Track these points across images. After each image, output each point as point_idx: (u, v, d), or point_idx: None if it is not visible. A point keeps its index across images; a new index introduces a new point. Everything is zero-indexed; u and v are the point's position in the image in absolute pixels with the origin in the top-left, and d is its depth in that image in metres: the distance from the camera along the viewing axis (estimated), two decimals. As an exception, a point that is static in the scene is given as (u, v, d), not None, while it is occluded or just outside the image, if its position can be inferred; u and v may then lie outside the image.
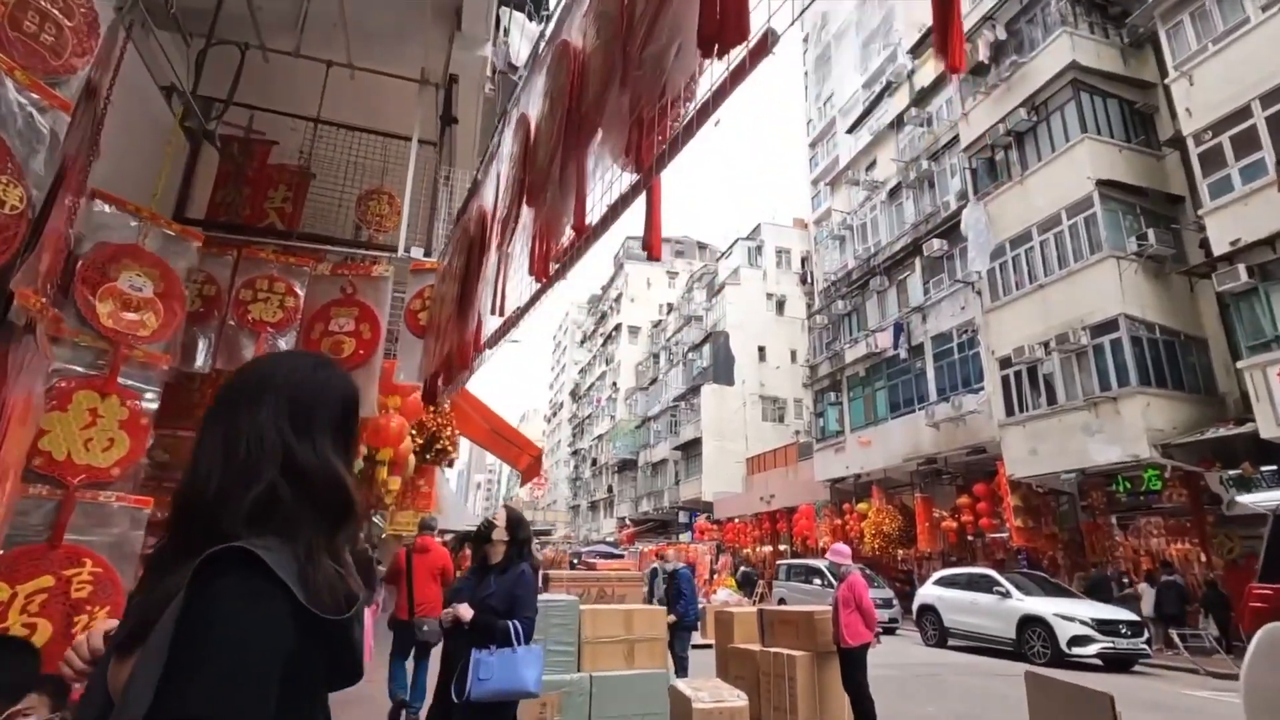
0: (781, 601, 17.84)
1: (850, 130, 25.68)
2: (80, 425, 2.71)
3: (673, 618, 6.93)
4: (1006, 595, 12.51)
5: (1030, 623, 11.77)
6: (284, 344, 3.55)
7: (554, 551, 21.07)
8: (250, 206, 3.97)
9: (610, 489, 47.78)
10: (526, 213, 2.05)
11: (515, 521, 3.32)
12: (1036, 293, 15.54)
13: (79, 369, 2.70)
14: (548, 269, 1.87)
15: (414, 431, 7.20)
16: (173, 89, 3.68)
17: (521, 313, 2.30)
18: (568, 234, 1.76)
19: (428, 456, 7.52)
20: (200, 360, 3.43)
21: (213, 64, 3.79)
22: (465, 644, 3.05)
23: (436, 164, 4.21)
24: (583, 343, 65.39)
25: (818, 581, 16.90)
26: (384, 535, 17.57)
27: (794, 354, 35.59)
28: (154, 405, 2.97)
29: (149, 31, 3.33)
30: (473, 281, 2.74)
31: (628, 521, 42.78)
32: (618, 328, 50.86)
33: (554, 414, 75.78)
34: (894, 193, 22.14)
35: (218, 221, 3.84)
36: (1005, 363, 16.05)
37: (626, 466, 44.59)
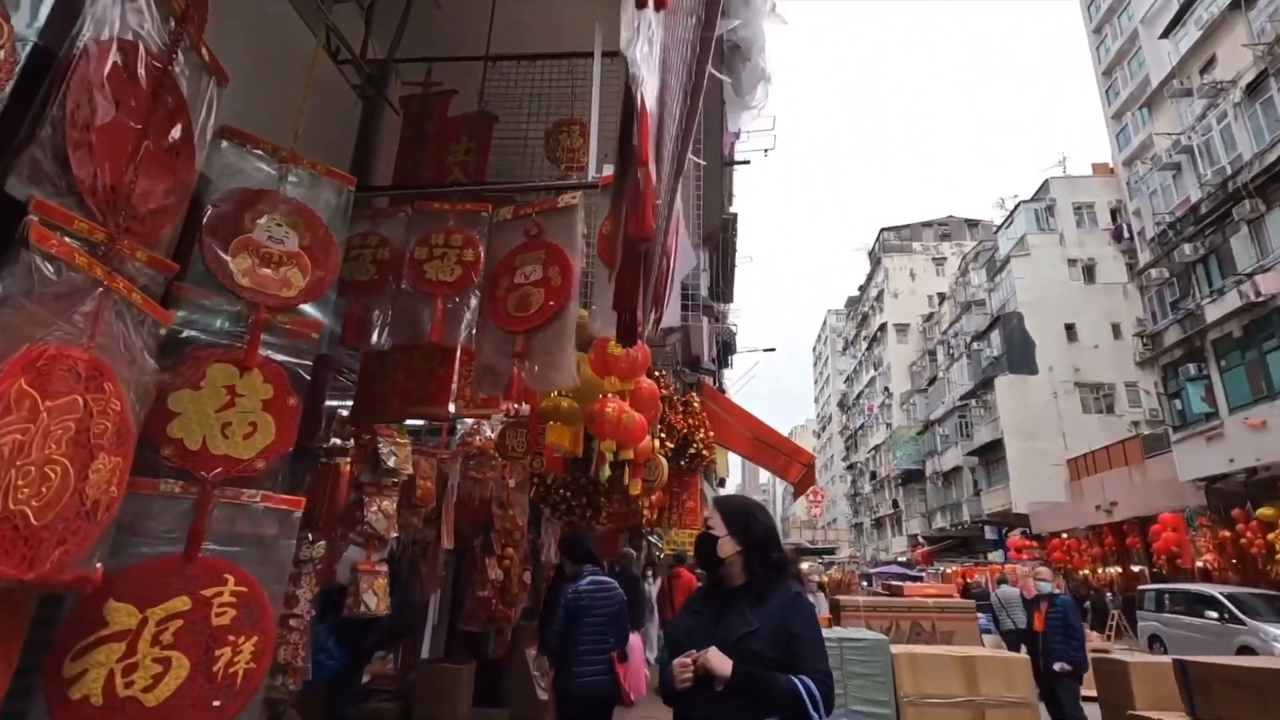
0: (1155, 641, 13.66)
1: (1165, 34, 20.09)
2: (216, 406, 2.17)
3: (1061, 665, 4.87)
4: None
5: None
6: (466, 307, 2.83)
7: (841, 572, 19.06)
8: (433, 165, 3.43)
9: (895, 504, 43.41)
10: None
11: (739, 512, 2.17)
12: None
13: (206, 336, 2.16)
14: None
15: (661, 434, 6.38)
16: (337, 51, 3.26)
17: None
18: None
19: (682, 463, 6.66)
20: (376, 335, 2.84)
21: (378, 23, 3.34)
22: (717, 713, 1.89)
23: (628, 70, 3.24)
24: (845, 349, 61.62)
25: (1212, 615, 12.50)
26: (660, 555, 17.43)
27: (1116, 328, 28.75)
28: (304, 382, 2.36)
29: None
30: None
31: (921, 539, 38.23)
32: (883, 328, 46.71)
33: (823, 428, 72.40)
34: (1254, 88, 16.46)
35: (399, 187, 3.33)
36: None
37: (911, 478, 40.12)
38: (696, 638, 1.96)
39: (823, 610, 12.48)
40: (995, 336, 30.57)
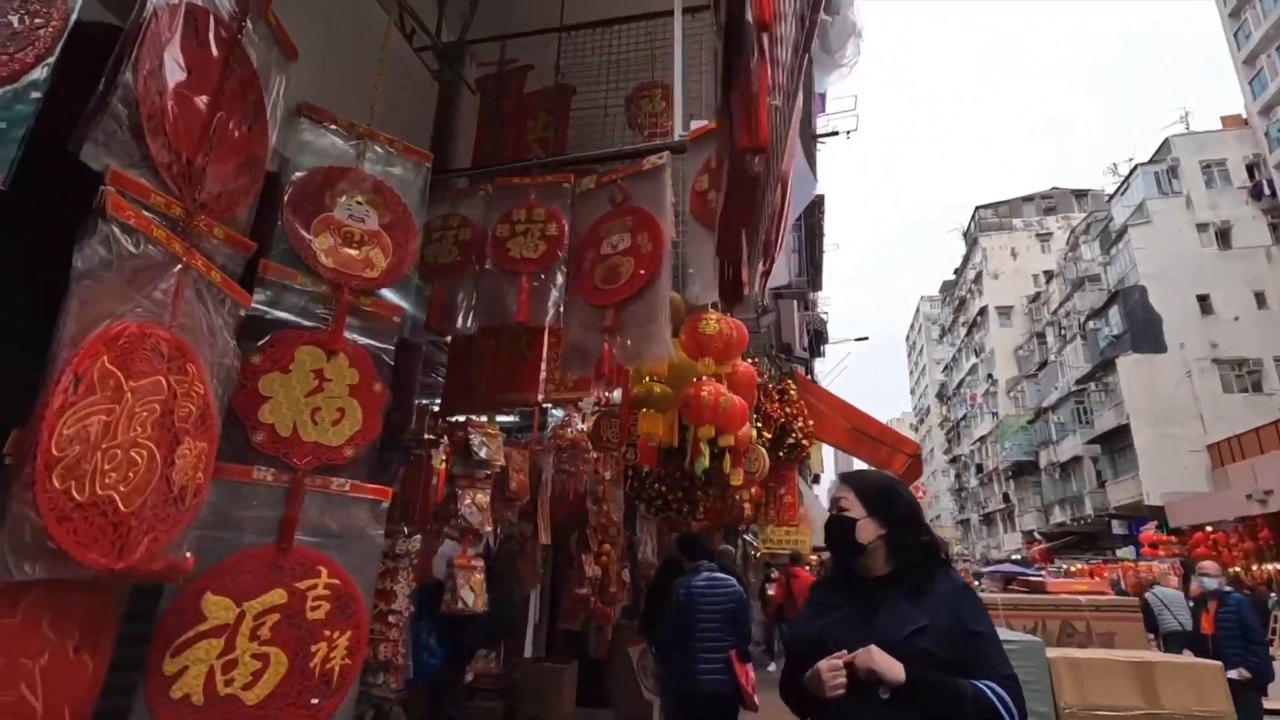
0: (1335, 646, 11.98)
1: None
2: (305, 390, 2.08)
3: (1239, 672, 4.22)
4: None
5: None
6: (552, 285, 2.67)
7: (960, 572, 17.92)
8: (512, 144, 3.30)
9: (1006, 498, 40.72)
10: None
11: (878, 489, 1.87)
12: None
13: (291, 317, 2.07)
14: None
15: (758, 424, 6.07)
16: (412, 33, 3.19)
17: None
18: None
19: (780, 454, 6.32)
20: (461, 319, 2.72)
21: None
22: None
23: (715, 21, 3.01)
24: (941, 337, 58.56)
25: None
26: (757, 554, 16.89)
27: (1260, 296, 25.74)
28: (388, 368, 2.26)
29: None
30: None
31: (1037, 535, 35.63)
32: (983, 312, 43.97)
33: (920, 421, 69.09)
34: None
35: (478, 169, 3.22)
36: None
37: (1024, 470, 37.50)
38: (840, 636, 1.65)
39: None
40: (1114, 314, 28.04)
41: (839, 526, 1.81)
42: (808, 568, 14.07)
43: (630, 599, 6.25)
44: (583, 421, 4.62)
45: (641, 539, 6.68)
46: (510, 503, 3.53)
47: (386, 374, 2.27)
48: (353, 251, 2.27)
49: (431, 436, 3.05)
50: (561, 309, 2.66)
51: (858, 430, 11.09)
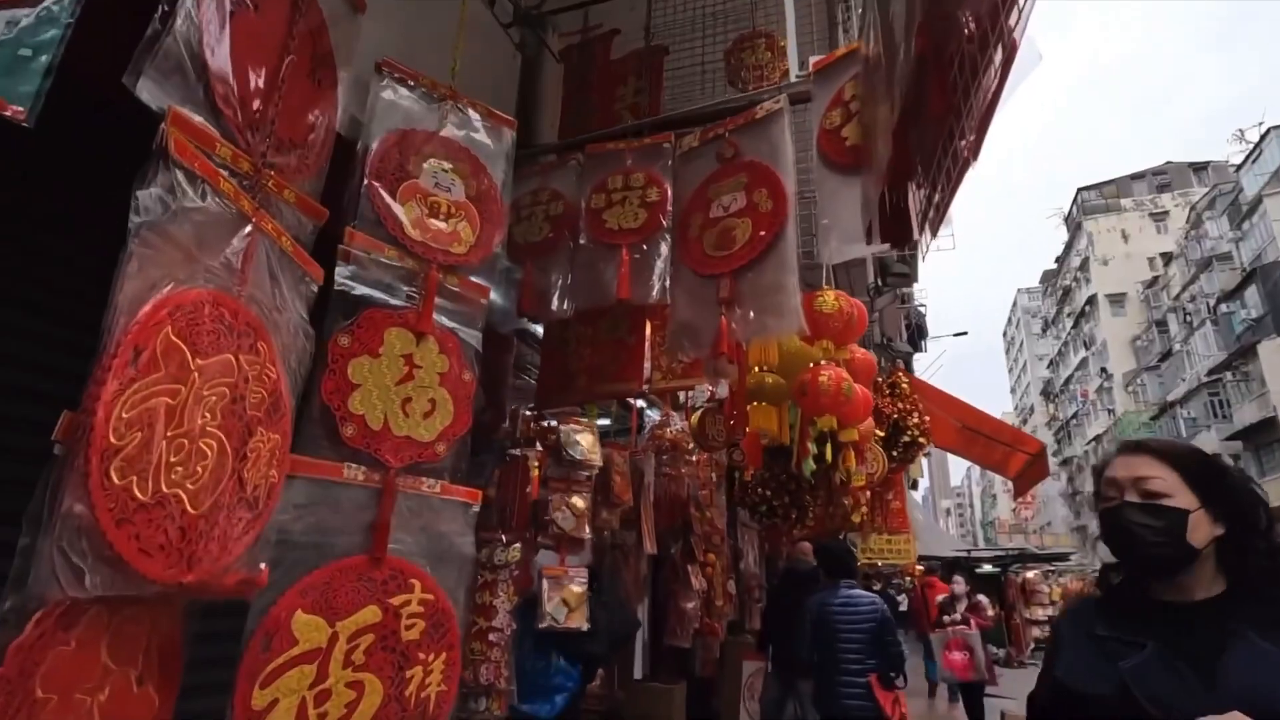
0: None
1: None
2: (396, 378, 1.84)
3: None
4: None
5: None
6: (655, 257, 2.35)
7: (1081, 581, 16.34)
8: (600, 114, 3.03)
9: (1129, 502, 37.24)
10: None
11: (1207, 467, 1.26)
12: None
13: (378, 295, 1.84)
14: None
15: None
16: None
17: None
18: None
19: (895, 454, 5.75)
20: (556, 301, 2.44)
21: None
22: None
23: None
24: (1044, 330, 54.81)
25: None
26: (859, 563, 16.03)
27: None
28: (476, 354, 2.01)
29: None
30: None
31: (1169, 543, 32.33)
32: (1091, 300, 40.75)
33: (1024, 421, 64.71)
34: None
35: (567, 142, 2.96)
36: None
37: (1148, 471, 34.19)
38: (1164, 691, 1.09)
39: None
40: (1251, 294, 25.22)
41: (1151, 520, 1.20)
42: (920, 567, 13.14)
43: (736, 613, 5.84)
44: (682, 419, 4.28)
45: (743, 548, 6.26)
46: (613, 507, 3.23)
47: (475, 362, 2.01)
48: (440, 224, 2.02)
49: (527, 436, 2.79)
50: (667, 283, 2.34)
51: (969, 429, 10.21)
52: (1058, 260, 48.75)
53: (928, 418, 6.19)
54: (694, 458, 4.52)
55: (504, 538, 2.59)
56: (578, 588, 2.64)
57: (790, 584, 4.95)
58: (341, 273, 1.77)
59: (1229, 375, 26.39)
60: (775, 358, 3.45)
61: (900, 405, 5.87)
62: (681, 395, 4.35)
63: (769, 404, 3.46)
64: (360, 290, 1.82)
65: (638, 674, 4.21)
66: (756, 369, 3.57)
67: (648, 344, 2.66)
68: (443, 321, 1.98)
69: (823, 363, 3.16)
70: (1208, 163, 40.18)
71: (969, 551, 16.94)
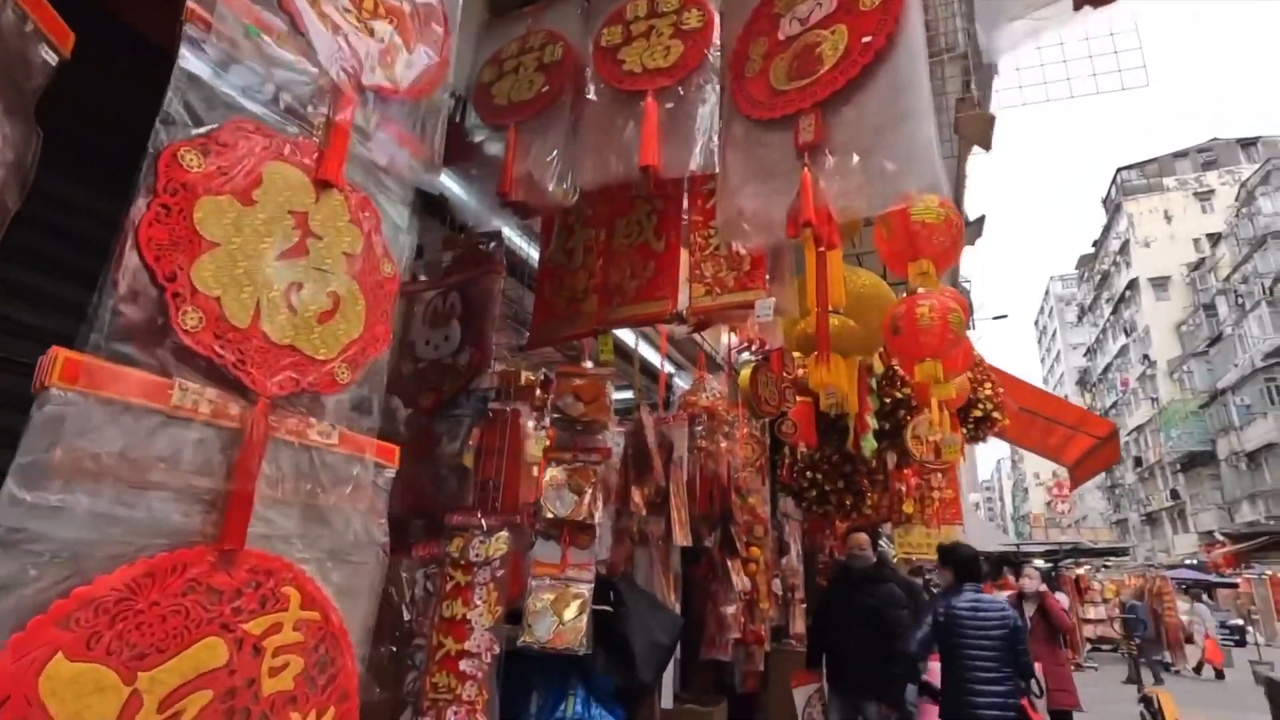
0: None
1: None
2: (280, 248, 1.10)
3: None
4: None
5: None
6: (698, 104, 1.58)
7: (1145, 579, 15.22)
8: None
9: (1175, 494, 35.67)
10: None
11: None
12: None
13: (257, 108, 1.10)
14: None
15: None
16: None
17: None
18: None
19: (966, 429, 4.91)
20: (554, 180, 1.68)
21: None
22: None
23: None
24: (1080, 318, 52.92)
25: None
26: (895, 559, 15.02)
27: None
28: (405, 237, 1.26)
29: None
30: None
31: (1218, 536, 30.79)
32: (1132, 285, 39.01)
33: (1058, 412, 62.64)
34: None
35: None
36: None
37: (1197, 462, 32.68)
38: None
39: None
40: (1312, 272, 23.67)
41: None
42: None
43: (780, 617, 5.06)
44: (719, 386, 3.51)
45: (787, 541, 5.46)
46: (644, 486, 2.47)
47: (400, 256, 1.27)
48: (363, 26, 1.28)
49: (517, 385, 2.04)
50: (714, 143, 1.56)
51: (1027, 411, 9.27)
52: (1095, 244, 46.91)
53: (1001, 389, 5.35)
54: (735, 431, 3.75)
55: (484, 523, 1.84)
56: (578, 593, 1.89)
57: (845, 583, 4.16)
58: (200, 56, 1.03)
59: (1288, 359, 24.87)
60: (842, 295, 2.66)
61: (973, 373, 5.02)
62: (721, 350, 3.57)
63: (838, 355, 2.68)
64: (223, 91, 1.07)
65: (667, 695, 3.44)
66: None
67: (686, 244, 1.89)
68: (357, 182, 1.24)
69: (922, 292, 2.35)
70: (1257, 138, 38.21)
71: (1018, 546, 15.93)
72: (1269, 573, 21.98)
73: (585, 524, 1.98)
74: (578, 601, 1.87)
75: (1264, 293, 26.67)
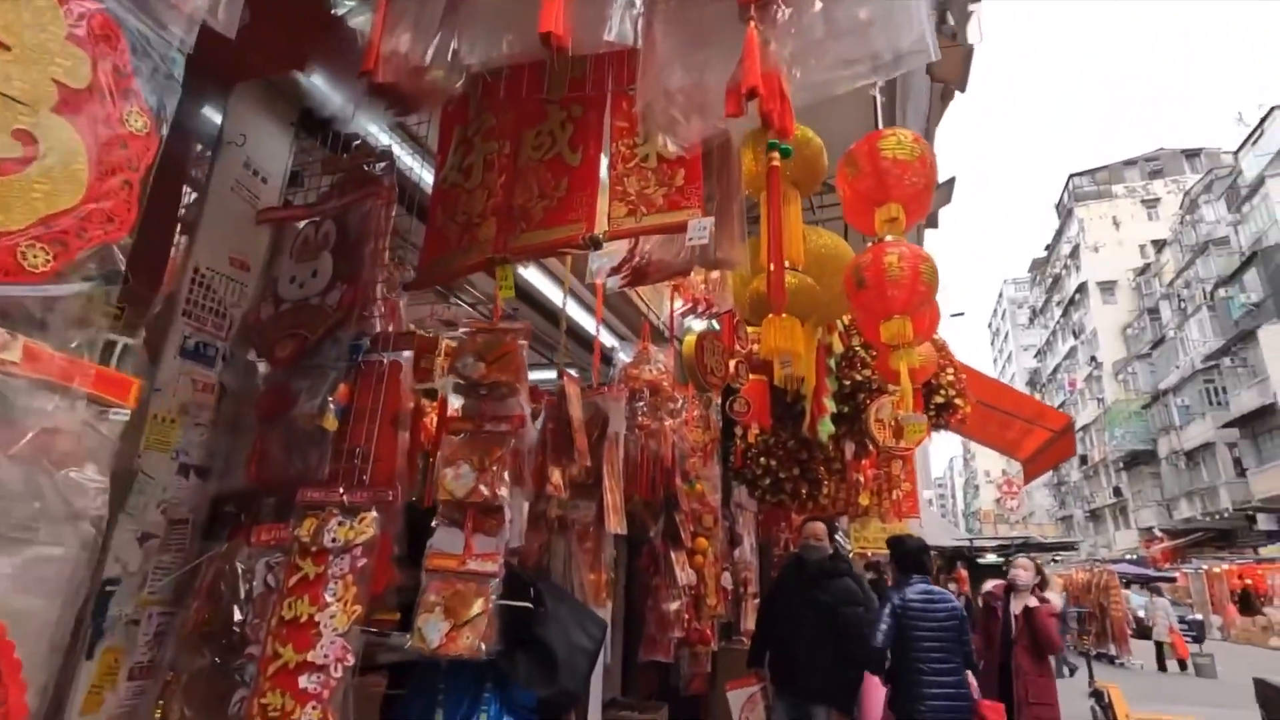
0: None
1: None
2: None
3: None
4: None
5: None
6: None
7: (1091, 573, 15.49)
8: None
9: (1118, 492, 36.86)
10: None
11: None
12: None
13: None
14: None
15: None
16: None
17: None
18: None
19: (928, 414, 4.67)
20: (428, 52, 1.31)
21: None
22: None
23: None
24: (1031, 320, 54.39)
25: None
26: (850, 554, 14.96)
27: None
28: (178, 78, 0.86)
29: None
30: None
31: (1158, 532, 31.90)
32: (1081, 288, 40.15)
33: (1008, 411, 64.35)
34: None
35: None
36: None
37: (1138, 460, 33.78)
38: None
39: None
40: (1251, 278, 24.52)
41: None
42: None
43: (731, 613, 4.76)
44: (665, 359, 3.16)
45: (740, 533, 5.16)
46: (560, 463, 2.10)
47: (164, 105, 0.88)
48: None
49: (401, 332, 1.65)
50: (638, 9, 1.21)
51: (984, 404, 9.18)
52: (1047, 248, 48.16)
53: (964, 376, 5.14)
54: (684, 410, 3.41)
55: (345, 500, 1.46)
56: (480, 590, 1.52)
57: (797, 576, 3.86)
58: None
59: (1226, 361, 25.73)
60: (801, 249, 2.34)
61: (929, 373, 4.78)
62: (666, 315, 3.21)
63: (794, 316, 2.35)
64: None
65: (598, 700, 3.06)
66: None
67: (607, 152, 1.53)
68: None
69: (889, 240, 2.04)
70: (1200, 149, 39.66)
71: (971, 540, 16.04)
72: (1205, 567, 22.76)
73: (490, 506, 1.61)
74: (480, 599, 1.50)
75: (1205, 298, 27.59)
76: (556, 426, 2.17)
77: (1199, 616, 18.43)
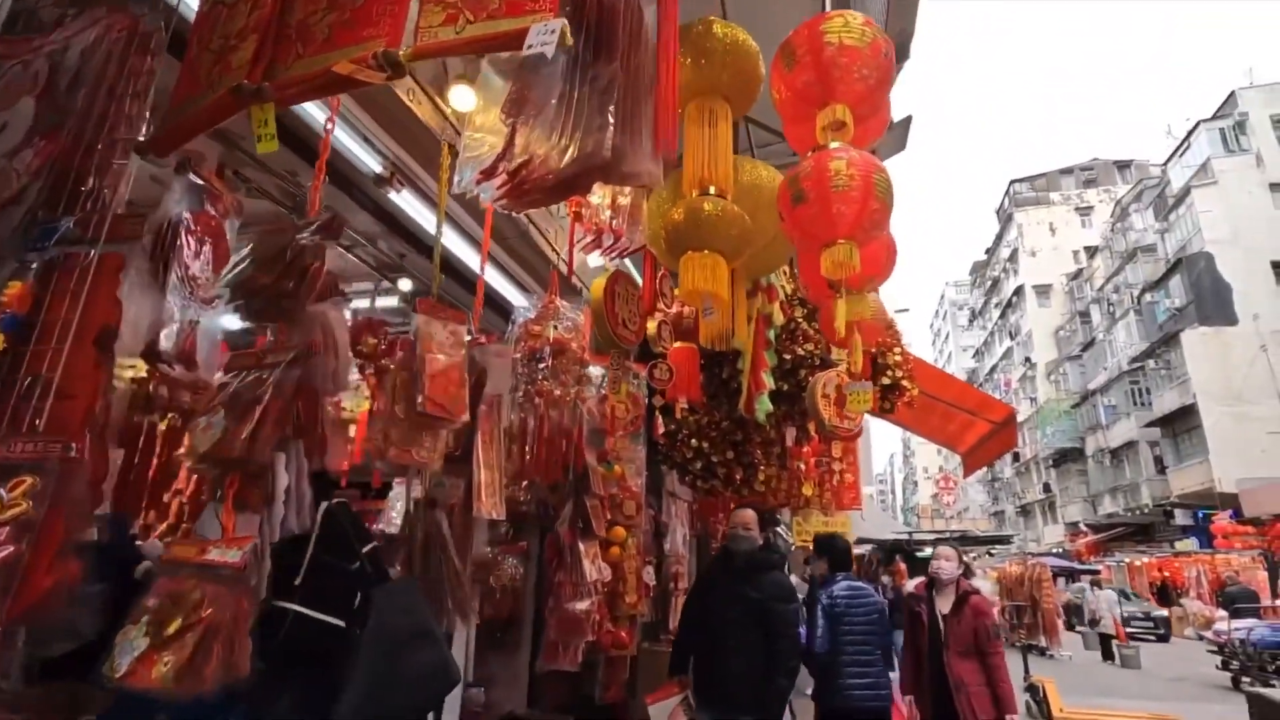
0: None
1: None
2: None
3: None
4: None
5: None
6: None
7: (1023, 565, 15.73)
8: None
9: (1047, 488, 38.27)
10: None
11: None
12: None
13: None
14: None
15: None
16: None
17: None
18: None
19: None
20: None
21: None
22: None
23: None
24: (971, 322, 56.05)
25: None
26: (793, 547, 14.77)
27: (1344, 261, 23.21)
28: None
29: None
30: None
31: (1083, 527, 33.20)
32: (1018, 292, 41.46)
33: (947, 410, 66.31)
34: None
35: None
36: None
37: (1067, 458, 35.08)
38: None
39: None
40: (1175, 284, 25.58)
41: None
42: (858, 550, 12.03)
43: (656, 613, 4.34)
44: (576, 317, 2.69)
45: (669, 522, 4.74)
46: (433, 424, 1.61)
47: None
48: None
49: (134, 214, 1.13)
50: None
51: (928, 395, 9.02)
52: (988, 252, 49.60)
53: (911, 358, 4.84)
54: (603, 382, 2.95)
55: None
56: (206, 593, 1.02)
57: (725, 570, 3.45)
58: None
59: (1150, 364, 26.81)
60: (725, 175, 1.90)
61: (879, 337, 4.46)
62: (578, 254, 2.72)
63: (715, 251, 1.90)
64: None
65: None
66: (693, 193, 2.00)
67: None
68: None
69: (834, 146, 1.60)
70: (1130, 161, 41.43)
71: (910, 534, 16.13)
72: (1127, 560, 23.68)
73: (252, 469, 1.11)
74: (198, 608, 1.00)
75: (1132, 302, 28.70)
76: (410, 378, 1.67)
77: (1164, 613, 18.74)
